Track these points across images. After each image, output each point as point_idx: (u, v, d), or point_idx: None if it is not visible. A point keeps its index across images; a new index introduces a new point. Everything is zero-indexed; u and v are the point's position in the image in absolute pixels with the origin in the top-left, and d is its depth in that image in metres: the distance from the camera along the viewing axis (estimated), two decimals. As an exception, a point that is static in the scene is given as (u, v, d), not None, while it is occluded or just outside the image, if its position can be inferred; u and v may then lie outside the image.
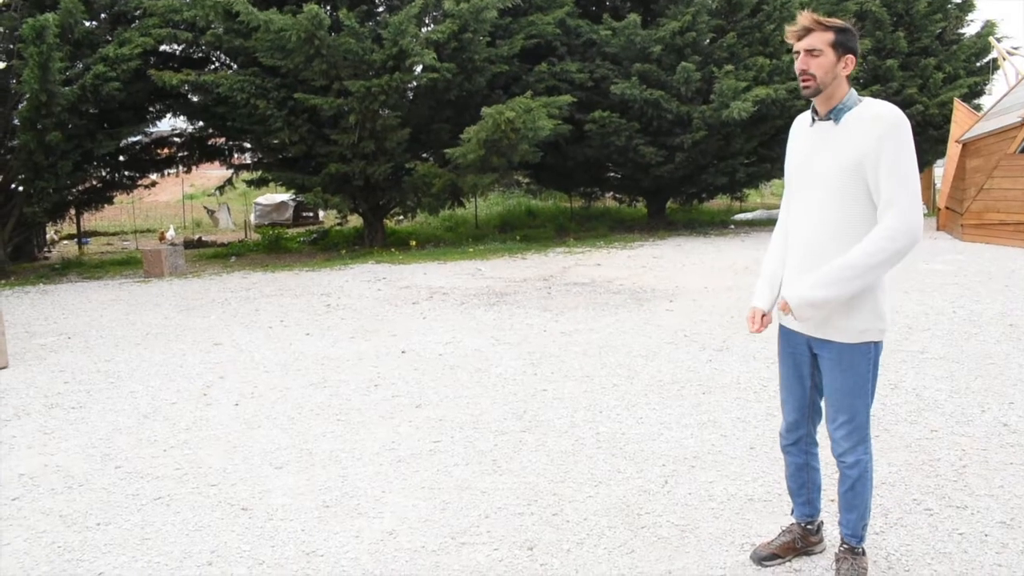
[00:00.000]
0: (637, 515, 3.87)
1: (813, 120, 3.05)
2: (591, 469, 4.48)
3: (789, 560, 3.35)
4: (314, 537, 3.76)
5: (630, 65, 17.06)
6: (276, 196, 27.45)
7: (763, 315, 3.26)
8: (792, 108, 16.55)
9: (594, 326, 8.32)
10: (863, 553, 3.18)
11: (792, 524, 3.43)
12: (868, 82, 19.64)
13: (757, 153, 18.99)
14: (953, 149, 17.42)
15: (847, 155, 2.87)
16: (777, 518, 3.70)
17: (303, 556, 3.58)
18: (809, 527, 3.39)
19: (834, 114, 2.94)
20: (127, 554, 3.67)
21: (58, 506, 4.24)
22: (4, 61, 15.05)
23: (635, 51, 16.98)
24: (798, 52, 2.96)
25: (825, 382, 3.11)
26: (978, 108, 20.45)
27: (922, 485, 4.11)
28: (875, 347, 3.02)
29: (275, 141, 16.23)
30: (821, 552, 3.41)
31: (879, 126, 2.81)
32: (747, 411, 5.40)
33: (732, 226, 20.59)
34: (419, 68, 15.14)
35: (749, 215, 22.83)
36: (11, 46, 14.43)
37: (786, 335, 3.25)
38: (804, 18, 2.95)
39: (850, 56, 2.91)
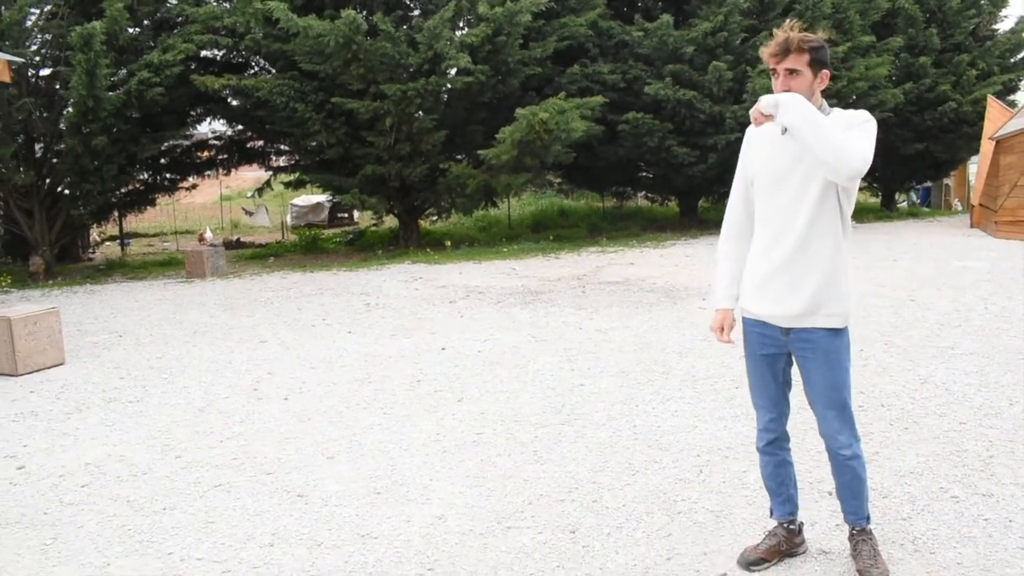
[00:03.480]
0: (673, 502, 4.06)
1: (785, 130, 3.03)
2: (628, 459, 4.67)
3: (776, 563, 3.41)
4: (368, 521, 3.99)
5: (662, 66, 17.14)
6: (312, 197, 27.78)
7: (732, 321, 3.41)
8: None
9: (629, 323, 8.49)
10: (871, 531, 3.33)
11: (775, 527, 3.48)
12: (901, 79, 19.56)
13: (789, 152, 19.03)
14: (987, 146, 17.38)
15: None
16: (806, 505, 3.86)
17: (359, 538, 3.81)
18: (791, 527, 3.45)
19: None
20: (193, 536, 3.92)
21: (125, 492, 4.51)
22: (51, 68, 15.46)
23: (667, 52, 17.07)
24: (776, 71, 3.05)
25: (811, 381, 3.20)
26: (1012, 105, 20.30)
27: (949, 474, 4.26)
28: (848, 332, 3.19)
29: (313, 144, 16.50)
30: (804, 552, 3.49)
31: (850, 122, 2.98)
32: (779, 405, 5.54)
33: (764, 225, 20.62)
34: (453, 71, 15.34)
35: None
36: (58, 53, 14.84)
37: (757, 333, 3.30)
38: (782, 38, 3.02)
39: (825, 71, 3.04)
